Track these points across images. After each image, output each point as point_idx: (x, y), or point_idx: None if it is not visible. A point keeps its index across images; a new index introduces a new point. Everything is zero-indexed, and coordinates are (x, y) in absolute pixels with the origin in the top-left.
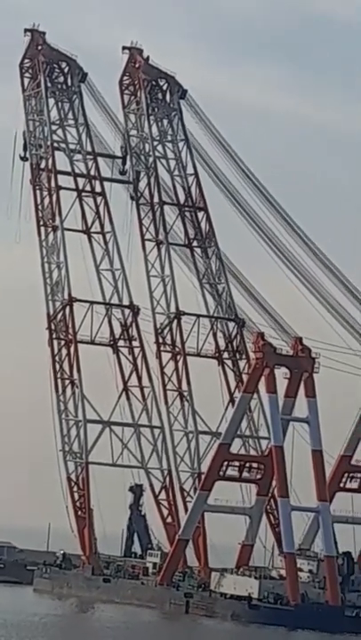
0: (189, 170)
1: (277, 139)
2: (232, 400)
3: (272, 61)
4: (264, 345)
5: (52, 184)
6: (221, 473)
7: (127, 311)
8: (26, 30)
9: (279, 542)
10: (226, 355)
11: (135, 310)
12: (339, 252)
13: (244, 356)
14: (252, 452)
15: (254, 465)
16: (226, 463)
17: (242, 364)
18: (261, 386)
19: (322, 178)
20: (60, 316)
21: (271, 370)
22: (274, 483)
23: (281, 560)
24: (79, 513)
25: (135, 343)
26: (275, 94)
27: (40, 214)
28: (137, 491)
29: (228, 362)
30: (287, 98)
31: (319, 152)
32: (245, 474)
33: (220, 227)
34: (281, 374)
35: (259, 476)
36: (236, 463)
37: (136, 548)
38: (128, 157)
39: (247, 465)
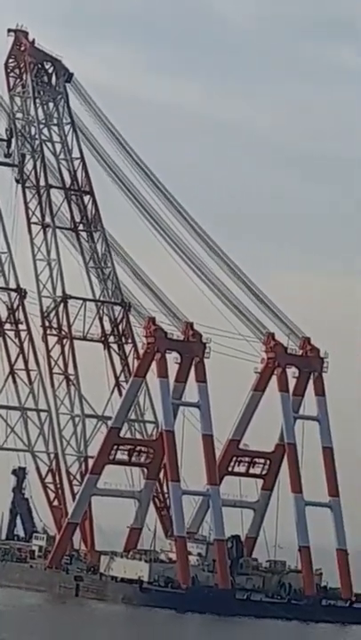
0: (75, 153)
1: (163, 124)
2: (118, 384)
3: (158, 46)
4: (155, 330)
5: None
6: (111, 457)
7: (14, 294)
8: None
9: (165, 526)
10: (112, 339)
11: (22, 293)
12: (227, 237)
13: (129, 340)
14: (138, 436)
15: (143, 449)
16: (116, 447)
17: (128, 347)
18: (151, 370)
19: (214, 166)
20: None
21: (162, 354)
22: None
23: (170, 543)
24: None
25: (22, 326)
26: (152, 79)
27: None
28: (20, 474)
29: (114, 346)
30: (168, 82)
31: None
32: (133, 458)
33: (108, 211)
34: (172, 359)
35: (148, 460)
36: (126, 447)
37: (19, 530)
38: (13, 140)
39: (136, 449)
